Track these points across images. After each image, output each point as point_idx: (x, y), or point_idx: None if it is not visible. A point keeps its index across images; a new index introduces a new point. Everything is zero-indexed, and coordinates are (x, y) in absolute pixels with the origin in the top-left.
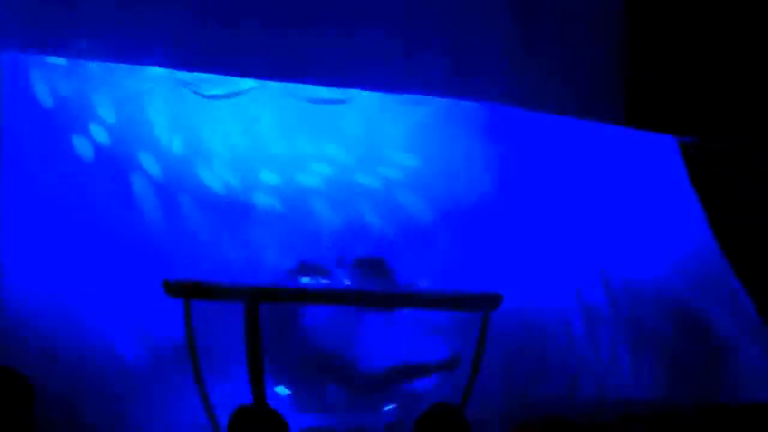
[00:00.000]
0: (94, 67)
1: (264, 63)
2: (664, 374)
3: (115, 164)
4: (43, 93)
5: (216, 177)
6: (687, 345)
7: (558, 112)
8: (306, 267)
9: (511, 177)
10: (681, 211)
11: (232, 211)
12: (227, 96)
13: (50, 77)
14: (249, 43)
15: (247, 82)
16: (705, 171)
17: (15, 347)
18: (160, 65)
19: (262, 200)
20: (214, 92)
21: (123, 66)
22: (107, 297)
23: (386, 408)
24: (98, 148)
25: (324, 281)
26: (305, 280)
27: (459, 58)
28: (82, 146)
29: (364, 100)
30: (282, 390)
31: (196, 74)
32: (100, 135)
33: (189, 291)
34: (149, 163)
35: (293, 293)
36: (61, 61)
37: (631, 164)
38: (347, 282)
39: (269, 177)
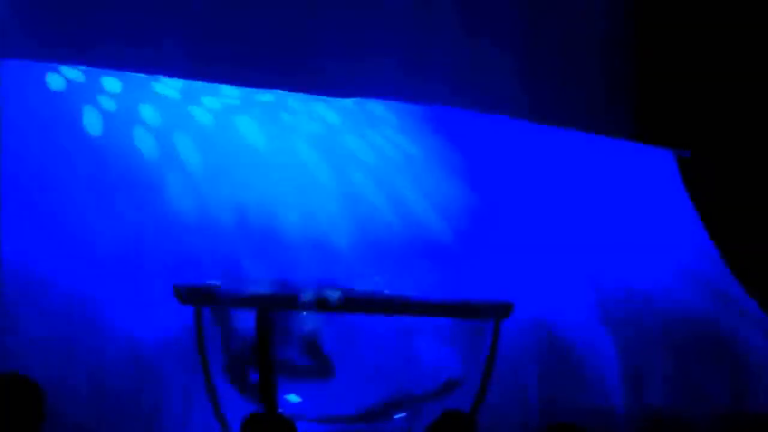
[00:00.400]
0: None
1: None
2: (678, 383)
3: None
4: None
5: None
6: (697, 354)
7: (562, 125)
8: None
9: (506, 184)
10: (681, 223)
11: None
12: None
13: None
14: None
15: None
16: (703, 182)
17: (25, 351)
18: (173, 76)
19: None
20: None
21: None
22: (121, 285)
23: (397, 416)
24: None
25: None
26: None
27: (463, 69)
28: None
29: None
30: (293, 398)
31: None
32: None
33: (199, 299)
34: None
35: (305, 301)
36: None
37: (628, 175)
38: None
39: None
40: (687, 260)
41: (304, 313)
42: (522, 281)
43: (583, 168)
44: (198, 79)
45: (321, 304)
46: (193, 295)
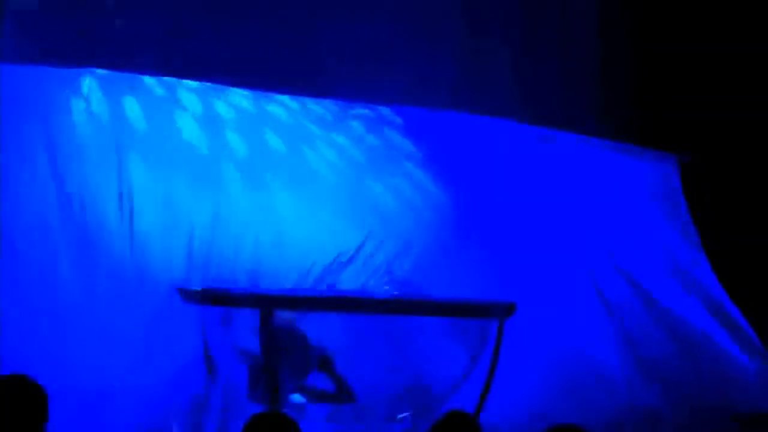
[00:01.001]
0: None
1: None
2: (675, 385)
3: None
4: None
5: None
6: (684, 357)
7: (561, 127)
8: None
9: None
10: (676, 225)
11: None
12: None
13: None
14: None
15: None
16: (702, 186)
17: (28, 352)
18: (182, 77)
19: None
20: None
21: None
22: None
23: (400, 416)
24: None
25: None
26: None
27: (463, 71)
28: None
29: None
30: (297, 398)
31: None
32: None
33: (204, 299)
34: None
35: (309, 301)
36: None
37: (627, 178)
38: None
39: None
40: (682, 263)
41: (309, 315)
42: (525, 283)
43: (583, 171)
44: (204, 81)
45: (326, 304)
46: (197, 296)
